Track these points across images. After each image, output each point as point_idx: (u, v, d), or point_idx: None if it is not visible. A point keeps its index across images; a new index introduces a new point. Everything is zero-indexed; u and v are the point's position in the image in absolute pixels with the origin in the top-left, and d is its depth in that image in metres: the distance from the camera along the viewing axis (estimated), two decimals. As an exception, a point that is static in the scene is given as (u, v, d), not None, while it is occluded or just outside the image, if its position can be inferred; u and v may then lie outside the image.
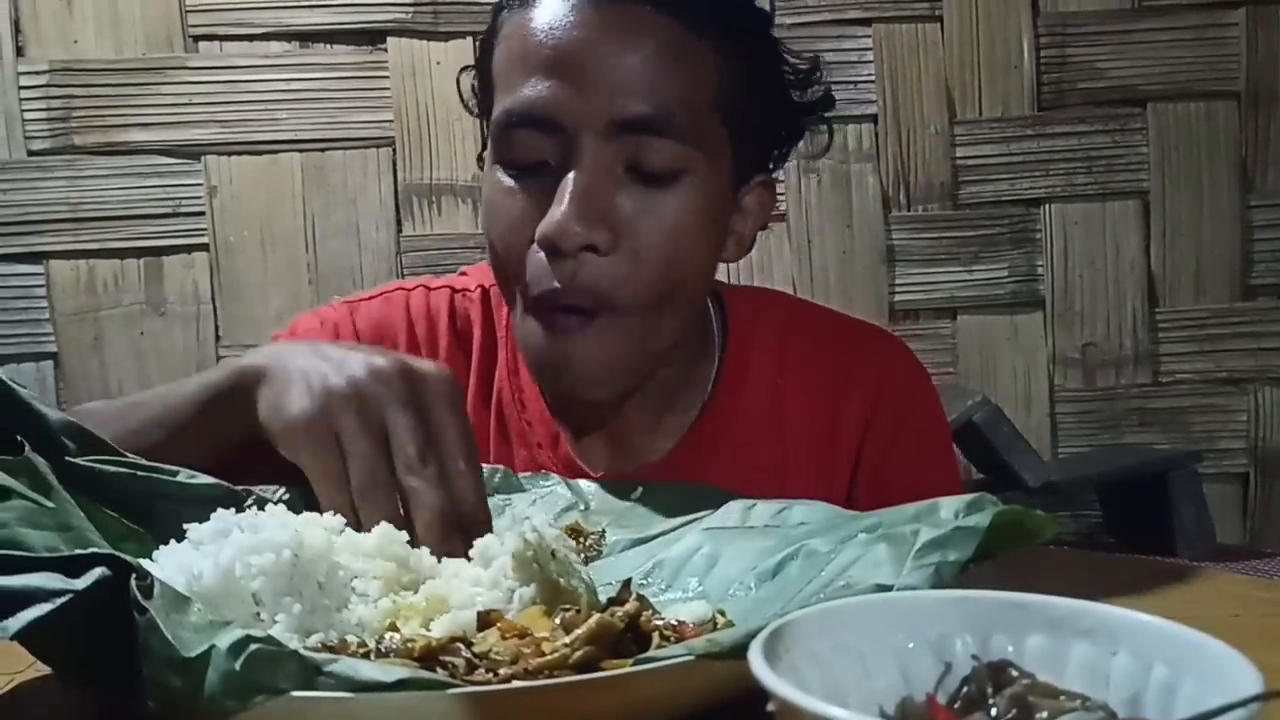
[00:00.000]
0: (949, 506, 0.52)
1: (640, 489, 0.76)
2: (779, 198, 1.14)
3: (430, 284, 0.95)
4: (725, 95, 0.78)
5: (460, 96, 0.91)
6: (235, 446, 0.70)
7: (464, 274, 0.98)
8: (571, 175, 0.74)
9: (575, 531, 0.69)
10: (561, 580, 0.54)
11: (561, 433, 0.89)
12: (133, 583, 0.42)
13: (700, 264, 0.81)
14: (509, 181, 0.78)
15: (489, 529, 0.62)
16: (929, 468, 0.91)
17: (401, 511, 0.62)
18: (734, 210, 0.84)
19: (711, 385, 0.90)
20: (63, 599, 0.42)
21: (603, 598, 0.55)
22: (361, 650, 0.48)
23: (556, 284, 0.75)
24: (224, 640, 0.40)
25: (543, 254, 0.76)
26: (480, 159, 0.86)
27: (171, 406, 0.73)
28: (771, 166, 0.88)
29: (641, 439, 0.88)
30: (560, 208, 0.74)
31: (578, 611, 0.49)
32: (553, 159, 0.76)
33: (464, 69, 0.90)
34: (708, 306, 0.91)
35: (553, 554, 0.54)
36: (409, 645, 0.47)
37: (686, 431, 0.89)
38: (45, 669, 0.52)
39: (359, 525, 0.61)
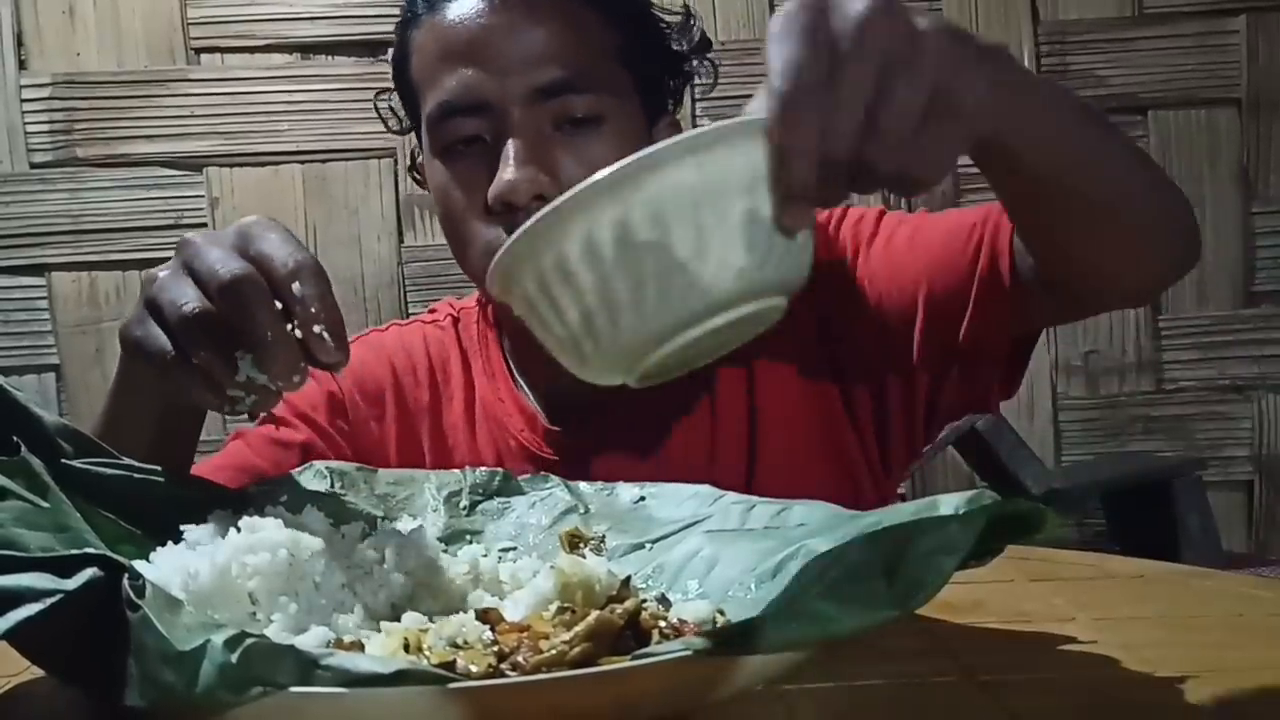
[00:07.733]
0: (948, 502, 0.51)
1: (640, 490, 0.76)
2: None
3: (400, 323, 1.04)
4: (621, 49, 0.88)
5: (381, 119, 0.99)
6: (163, 417, 0.72)
7: (432, 311, 1.05)
8: (510, 141, 0.83)
9: (575, 537, 0.69)
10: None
11: (538, 414, 0.94)
12: (125, 582, 0.42)
13: None
14: (453, 166, 0.86)
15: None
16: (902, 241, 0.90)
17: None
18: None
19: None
20: (53, 599, 0.42)
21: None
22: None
23: None
24: (219, 636, 0.40)
25: (498, 222, 0.83)
26: (412, 171, 0.96)
27: (109, 415, 0.75)
28: (671, 107, 0.97)
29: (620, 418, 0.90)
30: (506, 167, 0.82)
31: (574, 611, 0.49)
32: (488, 135, 0.84)
33: (379, 93, 0.99)
34: None
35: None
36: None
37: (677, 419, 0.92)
38: (40, 672, 0.52)
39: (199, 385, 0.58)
